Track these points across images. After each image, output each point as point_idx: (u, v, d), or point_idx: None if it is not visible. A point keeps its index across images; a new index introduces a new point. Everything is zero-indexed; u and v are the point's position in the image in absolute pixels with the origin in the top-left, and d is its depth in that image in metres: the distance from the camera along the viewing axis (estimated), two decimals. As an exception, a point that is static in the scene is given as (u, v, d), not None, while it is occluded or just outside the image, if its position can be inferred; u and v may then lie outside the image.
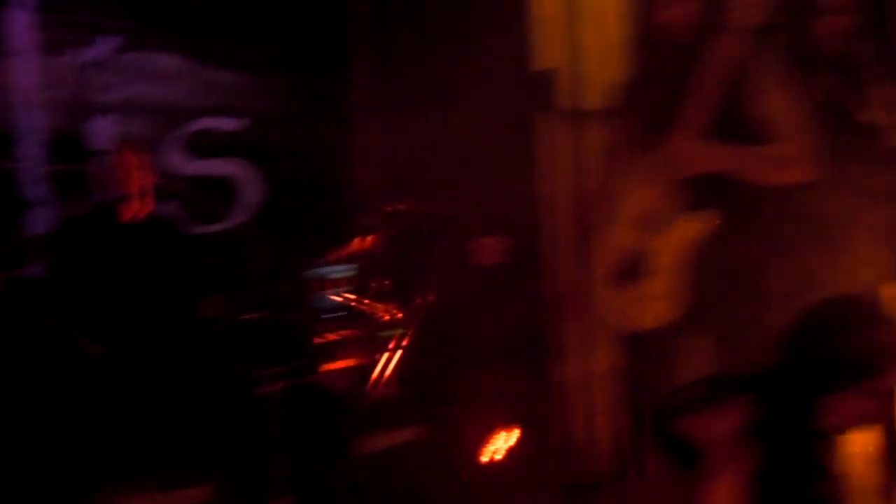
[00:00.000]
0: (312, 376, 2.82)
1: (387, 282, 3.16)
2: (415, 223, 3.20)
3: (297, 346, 2.81)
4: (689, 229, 2.19)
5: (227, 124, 3.87)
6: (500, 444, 2.86)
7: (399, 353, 3.02)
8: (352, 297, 3.22)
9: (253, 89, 3.86)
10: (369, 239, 3.19)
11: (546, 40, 3.45)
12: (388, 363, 3.02)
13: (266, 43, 3.80)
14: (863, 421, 1.65)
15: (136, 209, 2.89)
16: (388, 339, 3.13)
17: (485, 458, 2.78)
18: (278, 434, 2.33)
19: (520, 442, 2.79)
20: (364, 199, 3.28)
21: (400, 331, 3.08)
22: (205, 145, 3.81)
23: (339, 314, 3.22)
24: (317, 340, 3.06)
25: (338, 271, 3.30)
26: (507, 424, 2.85)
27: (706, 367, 2.15)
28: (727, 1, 2.20)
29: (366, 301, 3.17)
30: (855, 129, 2.56)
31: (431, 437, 2.58)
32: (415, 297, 3.08)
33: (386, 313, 3.14)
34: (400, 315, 3.09)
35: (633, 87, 2.47)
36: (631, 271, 2.24)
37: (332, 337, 3.16)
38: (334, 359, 3.13)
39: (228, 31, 3.74)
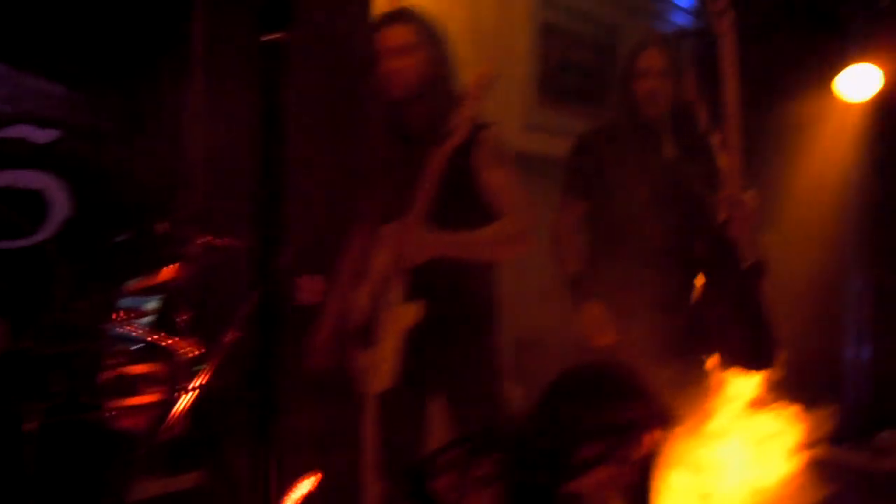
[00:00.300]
0: (95, 413, 2.63)
1: (192, 316, 3.02)
2: (230, 256, 3.09)
3: (81, 380, 2.62)
4: (406, 315, 2.25)
5: (38, 135, 3.62)
6: (298, 492, 2.76)
7: (195, 392, 2.88)
8: (154, 330, 3.05)
9: (72, 101, 3.65)
10: (180, 269, 3.04)
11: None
12: (182, 402, 2.87)
13: (92, 54, 3.61)
14: (610, 487, 1.69)
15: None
16: (189, 377, 2.99)
17: (279, 507, 2.68)
18: (39, 476, 2.15)
19: (316, 490, 2.71)
20: (182, 226, 3.13)
21: (200, 368, 2.94)
22: (11, 155, 3.55)
23: (139, 347, 3.04)
24: (109, 374, 2.87)
25: (142, 301, 3.13)
26: (307, 471, 2.77)
27: (448, 428, 2.20)
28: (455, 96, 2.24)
29: (169, 335, 3.02)
30: (683, 201, 2.69)
31: (218, 483, 2.46)
32: (219, 333, 2.95)
33: (190, 349, 2.99)
34: (201, 352, 2.95)
35: (369, 148, 2.51)
36: (366, 334, 2.28)
37: (128, 371, 2.98)
38: (128, 395, 2.94)
39: (51, 38, 3.53)
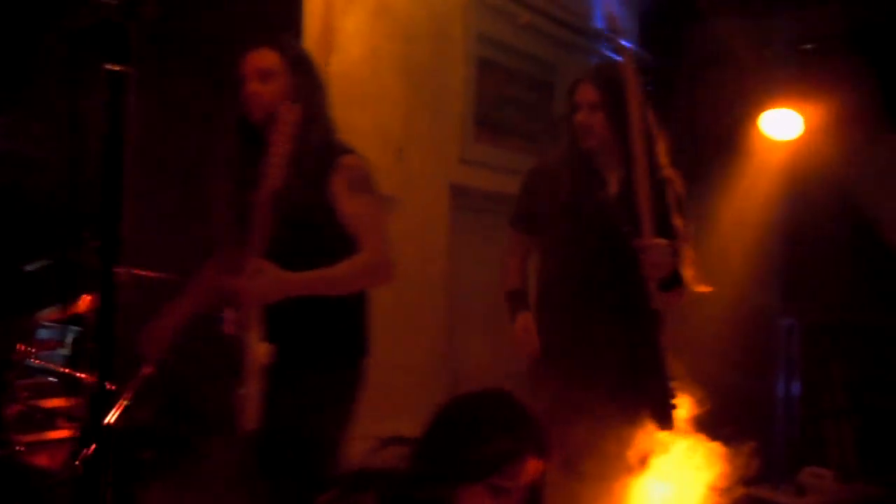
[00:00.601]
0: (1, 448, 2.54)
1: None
2: (148, 288, 3.03)
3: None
4: (260, 355, 2.22)
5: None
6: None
7: (108, 428, 2.79)
8: (69, 362, 2.97)
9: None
10: (96, 300, 2.96)
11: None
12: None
13: (11, 79, 3.54)
14: None
15: None
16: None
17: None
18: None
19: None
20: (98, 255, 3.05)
21: (115, 403, 2.86)
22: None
23: (52, 381, 2.96)
24: (18, 408, 2.78)
25: (57, 333, 3.05)
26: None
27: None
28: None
29: (84, 368, 2.93)
30: (618, 241, 2.67)
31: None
32: (133, 367, 2.88)
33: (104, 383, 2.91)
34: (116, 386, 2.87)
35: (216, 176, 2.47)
36: (237, 370, 2.25)
37: (39, 405, 2.89)
38: (39, 430, 2.85)
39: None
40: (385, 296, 3.79)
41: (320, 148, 2.25)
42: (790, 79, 4.08)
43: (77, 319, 3.02)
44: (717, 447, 3.33)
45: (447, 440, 1.67)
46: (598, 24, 4.84)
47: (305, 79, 2.34)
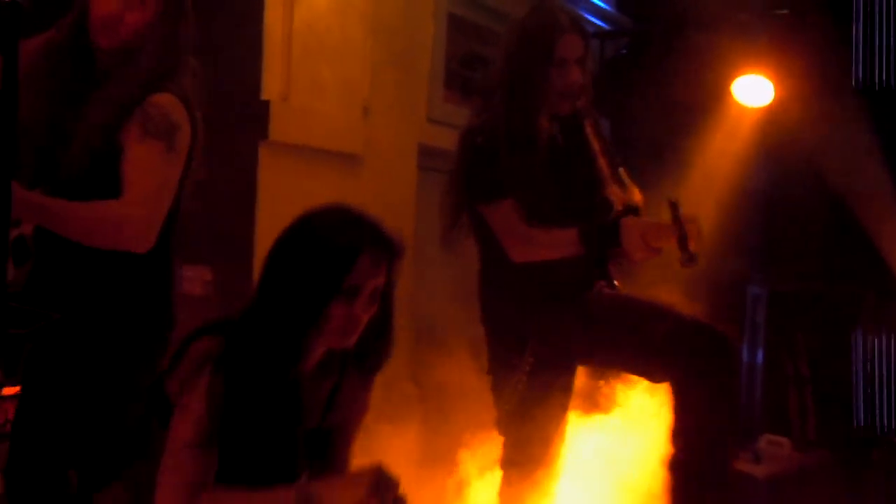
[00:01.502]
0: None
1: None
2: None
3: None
4: None
5: None
6: None
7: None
8: None
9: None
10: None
11: (271, 71, 3.35)
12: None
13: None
14: (349, 327, 1.66)
15: None
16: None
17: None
18: None
19: None
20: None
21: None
22: None
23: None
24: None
25: None
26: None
27: None
28: None
29: None
30: (593, 203, 2.53)
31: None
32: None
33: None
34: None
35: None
36: None
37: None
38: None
39: None
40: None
41: (140, 82, 1.95)
42: (763, 45, 4.03)
43: None
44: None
45: (281, 264, 1.65)
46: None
47: (172, 8, 2.01)
